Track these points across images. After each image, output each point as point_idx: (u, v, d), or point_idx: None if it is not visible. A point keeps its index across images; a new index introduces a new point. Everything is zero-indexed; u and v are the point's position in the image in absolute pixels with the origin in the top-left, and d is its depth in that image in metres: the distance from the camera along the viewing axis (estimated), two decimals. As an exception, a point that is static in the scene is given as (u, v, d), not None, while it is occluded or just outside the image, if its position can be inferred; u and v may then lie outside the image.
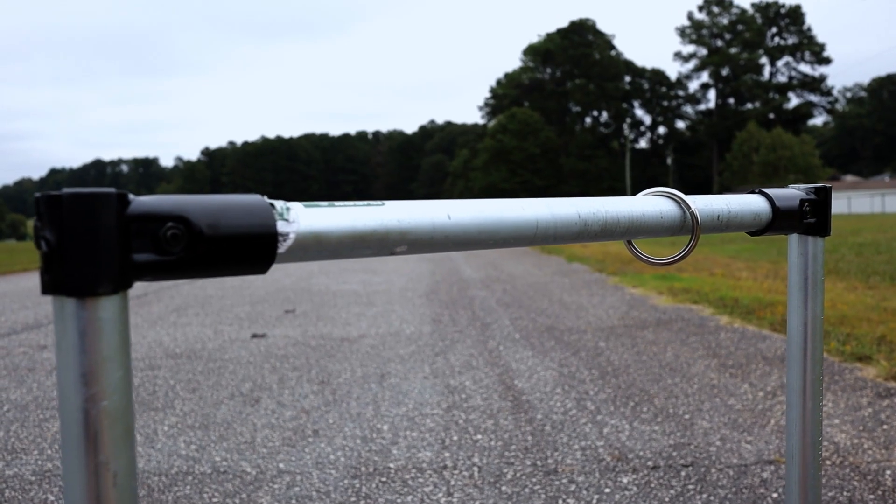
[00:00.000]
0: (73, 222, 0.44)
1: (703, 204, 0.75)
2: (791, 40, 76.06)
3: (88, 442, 0.44)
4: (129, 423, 0.45)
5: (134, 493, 0.46)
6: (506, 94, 79.23)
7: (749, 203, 0.80)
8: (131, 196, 0.45)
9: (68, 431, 0.44)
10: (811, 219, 0.84)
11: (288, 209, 0.50)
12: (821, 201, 0.85)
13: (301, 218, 0.50)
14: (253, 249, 0.48)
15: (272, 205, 0.49)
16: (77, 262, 0.44)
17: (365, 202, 0.54)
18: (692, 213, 0.72)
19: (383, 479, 2.78)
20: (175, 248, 0.46)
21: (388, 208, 0.54)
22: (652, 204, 0.71)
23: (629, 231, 0.69)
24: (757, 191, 0.83)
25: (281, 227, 0.49)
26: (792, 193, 0.84)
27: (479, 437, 3.25)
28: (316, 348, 5.31)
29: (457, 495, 2.62)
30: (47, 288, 0.44)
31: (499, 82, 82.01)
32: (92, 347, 0.44)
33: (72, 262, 0.44)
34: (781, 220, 0.82)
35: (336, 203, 0.53)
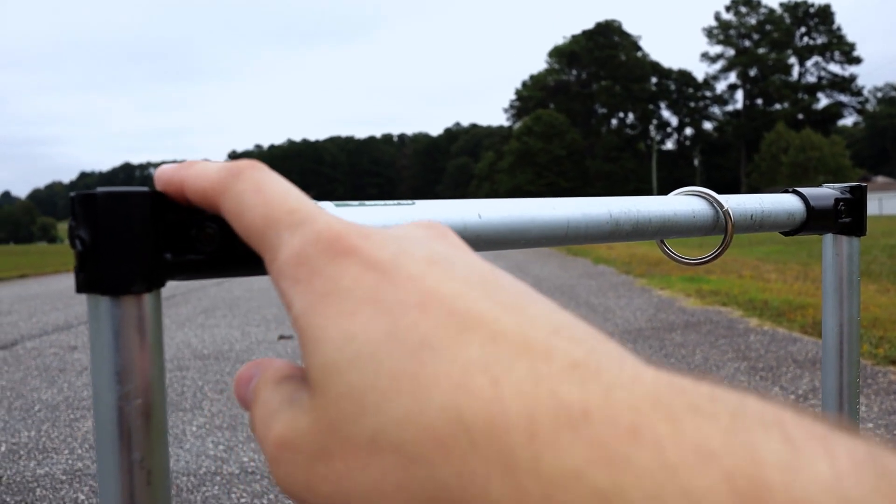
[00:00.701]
0: (107, 221, 0.44)
1: (736, 203, 0.74)
2: (820, 40, 75.22)
3: (122, 440, 0.44)
4: (163, 421, 0.45)
5: (167, 492, 0.46)
6: (531, 97, 79.14)
7: (783, 202, 0.79)
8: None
9: (102, 429, 0.44)
10: (846, 218, 0.83)
11: (319, 208, 0.50)
12: (856, 200, 0.84)
13: (332, 217, 0.50)
14: (284, 248, 0.48)
15: (304, 204, 0.49)
16: (111, 260, 0.44)
17: (395, 202, 0.54)
18: (725, 212, 0.71)
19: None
20: (208, 247, 0.46)
21: (418, 208, 0.54)
22: (684, 203, 0.70)
23: (661, 231, 0.68)
24: (791, 190, 0.82)
25: (312, 226, 0.49)
26: (826, 193, 0.83)
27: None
28: (342, 350, 5.33)
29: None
30: (82, 286, 0.44)
31: (524, 84, 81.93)
32: (126, 345, 0.44)
33: (106, 260, 0.44)
34: (816, 220, 0.81)
35: (367, 203, 0.53)
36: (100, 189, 0.43)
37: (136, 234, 0.43)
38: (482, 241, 0.56)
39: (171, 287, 10.24)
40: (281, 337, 5.92)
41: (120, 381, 0.44)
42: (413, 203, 0.54)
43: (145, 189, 0.45)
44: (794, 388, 3.91)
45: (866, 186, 0.85)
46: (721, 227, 0.71)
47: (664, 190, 63.41)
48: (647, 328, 5.92)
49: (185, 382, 4.43)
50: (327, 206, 0.51)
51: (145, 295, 0.44)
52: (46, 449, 3.26)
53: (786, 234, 0.82)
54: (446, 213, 0.55)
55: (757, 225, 0.75)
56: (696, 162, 77.80)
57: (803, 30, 75.50)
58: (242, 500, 2.63)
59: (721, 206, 0.70)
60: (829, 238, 0.85)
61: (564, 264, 13.36)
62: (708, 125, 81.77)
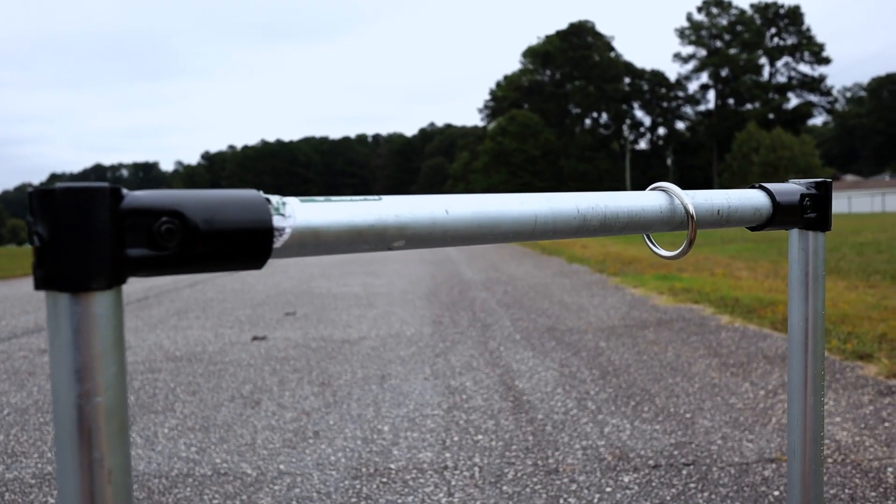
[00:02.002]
0: (66, 217, 0.43)
1: (703, 199, 0.74)
2: (790, 40, 76.07)
3: (83, 439, 0.44)
4: (124, 419, 0.45)
5: (129, 491, 0.46)
6: (505, 97, 79.25)
7: (749, 198, 0.79)
8: (125, 191, 0.44)
9: (62, 428, 0.43)
10: (812, 213, 0.84)
11: (284, 204, 0.49)
12: (821, 196, 0.85)
13: (297, 213, 0.50)
14: (248, 244, 0.48)
15: (268, 199, 0.49)
16: (70, 256, 0.43)
17: (362, 197, 0.54)
18: (686, 208, 0.72)
19: (384, 480, 2.77)
20: (170, 243, 0.46)
21: (385, 203, 0.54)
22: (651, 199, 0.71)
23: (629, 226, 0.69)
24: (757, 185, 0.82)
25: (277, 221, 0.49)
26: (792, 188, 0.84)
27: (480, 437, 3.24)
28: (316, 350, 5.31)
29: (458, 495, 2.61)
30: (40, 283, 0.44)
31: (498, 84, 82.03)
32: (86, 343, 0.43)
33: (65, 256, 0.43)
34: (782, 215, 0.81)
35: (333, 198, 0.52)
36: (58, 185, 0.43)
37: (96, 230, 0.43)
38: (450, 236, 0.56)
39: (143, 289, 10.12)
40: (254, 338, 5.88)
41: (80, 379, 0.43)
42: (380, 199, 0.54)
43: (105, 185, 0.44)
44: (765, 383, 3.95)
45: (831, 182, 0.86)
46: (687, 222, 0.71)
47: (638, 189, 63.64)
48: (620, 326, 5.96)
49: (157, 384, 4.38)
50: (293, 201, 0.50)
51: (105, 292, 0.44)
52: (15, 453, 3.22)
53: (752, 229, 0.83)
54: (414, 208, 0.55)
55: (723, 220, 0.76)
56: (668, 161, 78.35)
57: (773, 30, 76.30)
58: (215, 502, 2.61)
59: (683, 201, 0.70)
60: (794, 233, 0.86)
61: (539, 263, 13.40)
62: (680, 125, 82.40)
